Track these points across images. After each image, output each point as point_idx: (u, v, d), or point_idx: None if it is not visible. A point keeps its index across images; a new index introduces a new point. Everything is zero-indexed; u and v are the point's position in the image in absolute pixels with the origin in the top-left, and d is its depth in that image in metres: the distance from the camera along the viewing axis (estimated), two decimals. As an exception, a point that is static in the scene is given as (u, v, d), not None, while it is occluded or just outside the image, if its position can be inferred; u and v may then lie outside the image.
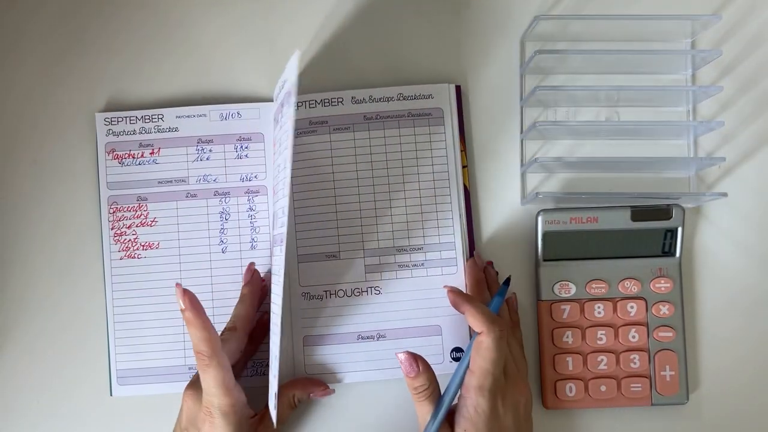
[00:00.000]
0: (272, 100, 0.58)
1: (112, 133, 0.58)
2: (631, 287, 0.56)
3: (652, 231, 0.56)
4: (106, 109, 0.59)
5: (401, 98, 0.57)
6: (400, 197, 0.57)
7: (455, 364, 0.56)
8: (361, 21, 0.59)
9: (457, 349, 0.56)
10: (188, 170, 0.58)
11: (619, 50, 0.57)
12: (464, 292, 0.53)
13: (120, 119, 0.58)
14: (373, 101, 0.58)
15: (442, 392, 0.50)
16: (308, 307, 0.57)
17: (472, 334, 0.51)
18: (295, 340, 0.56)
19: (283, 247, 0.48)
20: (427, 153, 0.57)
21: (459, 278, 0.56)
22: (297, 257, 0.57)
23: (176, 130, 0.58)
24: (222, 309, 0.56)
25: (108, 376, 0.57)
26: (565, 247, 0.56)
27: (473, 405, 0.48)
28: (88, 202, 0.58)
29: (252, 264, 0.57)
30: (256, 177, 0.57)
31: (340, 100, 0.58)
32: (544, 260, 0.56)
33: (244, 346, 0.54)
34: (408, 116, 0.57)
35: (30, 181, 0.58)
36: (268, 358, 0.54)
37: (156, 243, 0.57)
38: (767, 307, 0.58)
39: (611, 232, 0.56)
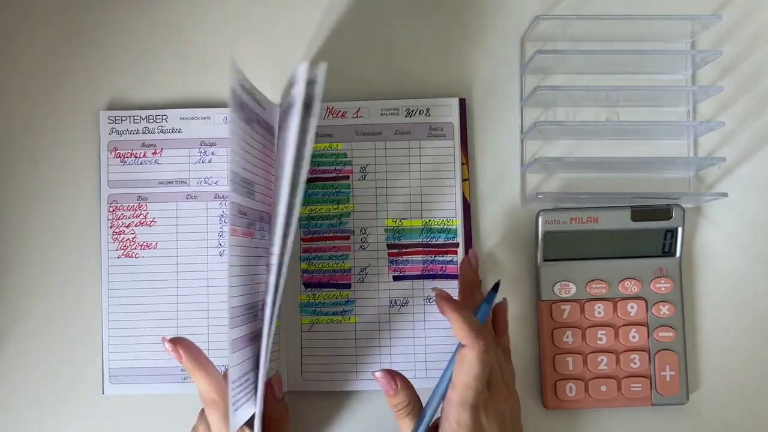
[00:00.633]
0: (276, 104, 0.58)
1: (115, 131, 0.58)
2: (631, 287, 0.56)
3: (652, 231, 0.56)
4: (110, 108, 0.59)
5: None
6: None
7: None
8: (361, 22, 0.59)
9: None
10: (189, 172, 0.58)
11: (619, 50, 0.57)
12: (451, 297, 0.50)
13: (123, 118, 0.58)
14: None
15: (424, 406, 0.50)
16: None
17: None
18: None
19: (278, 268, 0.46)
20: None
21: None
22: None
23: (179, 131, 0.58)
24: (217, 312, 0.57)
25: (101, 375, 0.57)
26: (565, 247, 0.56)
27: (455, 419, 0.46)
28: (88, 200, 0.58)
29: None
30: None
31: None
32: (544, 260, 0.56)
33: None
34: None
35: (30, 178, 0.59)
36: None
37: (154, 243, 0.57)
38: (767, 307, 0.58)
39: (611, 232, 0.56)
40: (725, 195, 0.54)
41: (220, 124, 0.58)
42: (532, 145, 0.59)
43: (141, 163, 0.58)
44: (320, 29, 0.59)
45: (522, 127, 0.59)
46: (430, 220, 0.57)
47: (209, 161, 0.58)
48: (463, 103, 0.58)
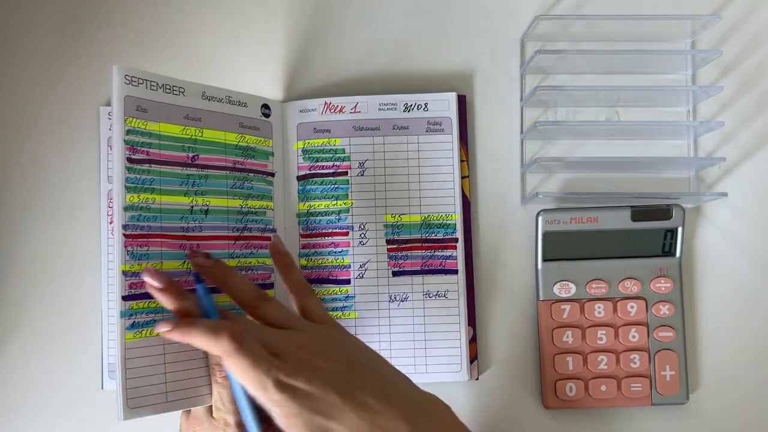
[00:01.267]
0: (278, 101, 0.58)
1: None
2: (631, 287, 0.56)
3: (652, 231, 0.56)
4: (110, 104, 0.58)
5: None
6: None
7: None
8: (359, 21, 0.60)
9: None
10: (188, 168, 0.57)
11: (619, 50, 0.57)
12: (173, 321, 0.44)
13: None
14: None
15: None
16: None
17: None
18: None
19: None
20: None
21: (459, 286, 0.56)
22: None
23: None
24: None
25: (100, 370, 0.57)
26: (565, 247, 0.56)
27: (273, 406, 0.41)
28: (87, 195, 0.58)
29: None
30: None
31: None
32: (544, 260, 0.56)
33: None
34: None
35: (30, 173, 0.59)
36: None
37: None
38: (767, 307, 0.57)
39: (611, 232, 0.56)
40: (725, 195, 0.54)
41: None
42: (532, 145, 0.59)
43: (140, 159, 0.57)
44: (318, 26, 0.60)
45: (522, 127, 0.59)
46: (429, 216, 0.57)
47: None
48: (462, 99, 0.58)
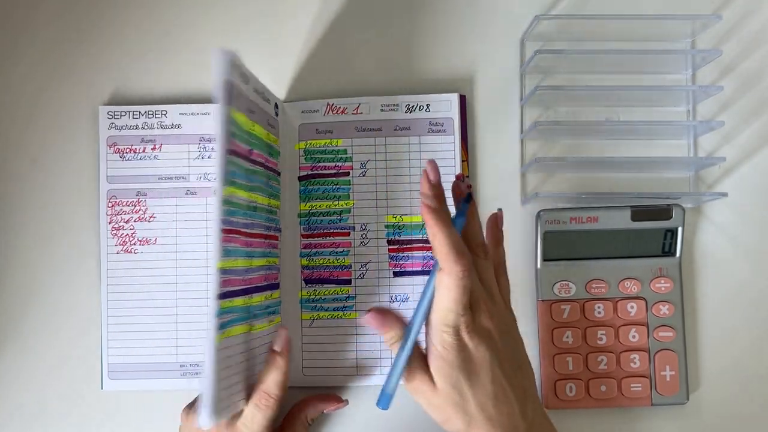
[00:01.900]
0: (284, 101, 0.58)
1: (115, 127, 0.58)
2: (631, 287, 0.56)
3: (652, 231, 0.56)
4: (109, 103, 0.59)
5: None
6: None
7: None
8: (361, 21, 0.59)
9: None
10: (189, 167, 0.57)
11: (619, 50, 0.57)
12: (441, 209, 0.45)
13: (123, 113, 0.58)
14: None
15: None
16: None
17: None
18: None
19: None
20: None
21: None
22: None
23: (179, 126, 0.58)
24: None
25: (100, 370, 0.57)
26: (565, 247, 0.56)
27: (439, 342, 0.44)
28: (87, 195, 0.58)
29: (285, 330, 0.51)
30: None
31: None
32: (544, 260, 0.56)
33: None
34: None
35: (29, 173, 0.58)
36: None
37: (153, 239, 0.57)
38: (767, 307, 0.57)
39: (611, 232, 0.56)
40: (725, 195, 0.54)
41: None
42: (532, 145, 0.59)
43: (140, 159, 0.57)
44: (320, 26, 0.59)
45: (522, 127, 0.59)
46: None
47: (209, 157, 0.58)
48: (463, 99, 0.58)
